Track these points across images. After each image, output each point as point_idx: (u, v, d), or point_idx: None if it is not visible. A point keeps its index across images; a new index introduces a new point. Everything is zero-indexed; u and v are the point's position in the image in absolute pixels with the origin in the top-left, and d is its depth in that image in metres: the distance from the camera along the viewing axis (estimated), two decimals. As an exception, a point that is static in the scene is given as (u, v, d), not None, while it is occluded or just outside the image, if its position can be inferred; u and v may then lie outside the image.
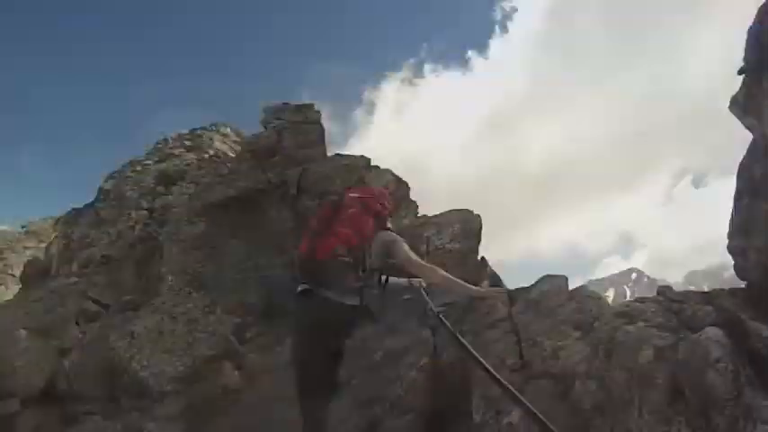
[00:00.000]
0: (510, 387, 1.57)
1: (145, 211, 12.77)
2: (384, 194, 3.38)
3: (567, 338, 2.77)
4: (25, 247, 23.72)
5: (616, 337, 1.86)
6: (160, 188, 13.56)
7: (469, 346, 2.10)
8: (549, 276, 4.35)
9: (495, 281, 5.71)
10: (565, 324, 2.95)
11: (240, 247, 8.87)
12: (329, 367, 2.94)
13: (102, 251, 12.22)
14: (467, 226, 6.66)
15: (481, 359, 1.90)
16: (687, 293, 2.46)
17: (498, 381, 1.62)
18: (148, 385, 6.06)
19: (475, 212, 7.00)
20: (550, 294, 3.91)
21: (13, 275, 19.95)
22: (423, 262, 3.14)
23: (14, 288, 17.29)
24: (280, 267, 8.31)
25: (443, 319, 2.73)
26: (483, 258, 6.44)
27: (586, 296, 3.32)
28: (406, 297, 3.96)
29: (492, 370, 1.76)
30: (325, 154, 10.41)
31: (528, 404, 1.44)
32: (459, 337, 2.24)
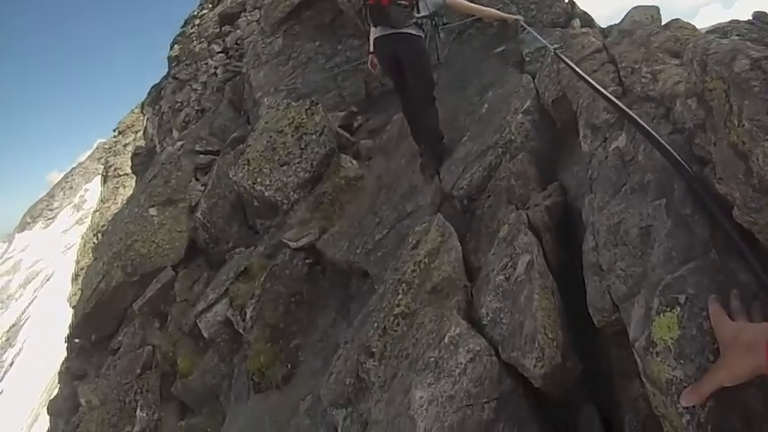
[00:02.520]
0: (619, 103, 1.71)
1: (221, 54, 12.37)
2: None
3: (665, 64, 2.59)
4: (125, 146, 25.32)
5: (710, 49, 1.64)
6: (226, 27, 12.91)
7: (578, 69, 2.35)
8: (639, 7, 4.25)
9: (587, 21, 5.74)
10: (661, 52, 2.75)
11: (324, 46, 8.33)
12: (414, 83, 4.47)
13: (196, 107, 12.35)
14: None
15: (590, 79, 2.08)
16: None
17: (607, 98, 1.79)
18: (277, 201, 5.97)
19: None
20: (643, 23, 3.84)
21: (127, 174, 21.52)
22: (467, 2, 4.70)
23: (131, 184, 18.64)
24: (367, 51, 7.74)
25: (558, 53, 3.24)
26: (572, 0, 6.03)
27: (680, 27, 2.91)
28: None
29: (603, 90, 1.93)
30: None
31: (636, 117, 1.61)
32: (568, 61, 2.53)
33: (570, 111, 3.31)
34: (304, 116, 6.22)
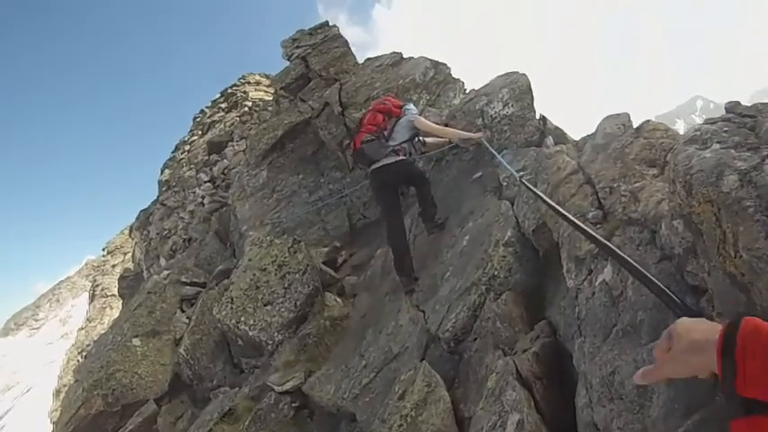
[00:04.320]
0: (597, 236, 1.55)
1: (208, 183, 12.98)
2: (387, 98, 5.98)
3: (644, 179, 2.58)
4: (113, 266, 25.62)
5: (692, 167, 1.51)
6: (213, 156, 13.67)
7: (555, 204, 2.14)
8: (610, 117, 4.23)
9: (560, 136, 5.76)
10: (637, 164, 2.74)
11: (307, 179, 8.80)
12: (397, 203, 5.40)
13: (183, 236, 12.72)
14: (515, 87, 6.04)
15: (568, 214, 1.91)
16: (758, 106, 1.85)
17: (587, 233, 1.62)
18: (261, 341, 5.99)
19: (520, 72, 6.37)
20: (615, 135, 3.81)
21: (114, 295, 21.72)
22: (432, 124, 5.66)
23: (118, 305, 18.69)
24: (350, 184, 8.22)
25: (525, 182, 3.18)
26: (543, 117, 6.04)
27: (653, 129, 2.99)
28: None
29: (580, 224, 1.76)
30: (356, 63, 10.09)
31: (619, 252, 1.41)
32: (544, 197, 2.32)
33: (551, 239, 3.37)
34: (287, 254, 6.46)
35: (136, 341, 8.13)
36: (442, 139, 5.99)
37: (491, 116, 5.97)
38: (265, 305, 6.14)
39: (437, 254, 5.16)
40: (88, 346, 21.23)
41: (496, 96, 6.03)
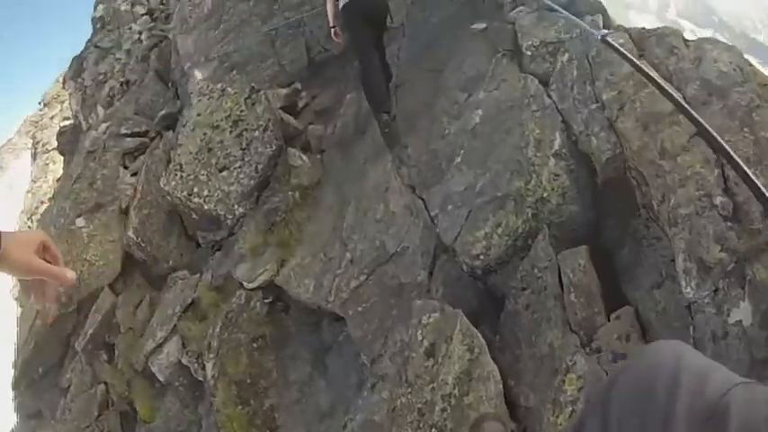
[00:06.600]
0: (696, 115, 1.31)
1: (145, 17, 10.74)
2: None
3: None
4: (51, 119, 22.88)
5: None
6: (152, -17, 11.13)
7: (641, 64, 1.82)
8: (718, 44, 2.99)
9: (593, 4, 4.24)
10: None
11: (259, 6, 7.07)
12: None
13: (120, 79, 10.83)
14: None
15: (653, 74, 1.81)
16: None
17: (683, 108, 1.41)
18: (219, 215, 5.02)
19: None
20: (734, 80, 2.58)
21: (55, 149, 19.72)
22: None
23: (61, 159, 16.98)
24: (308, 11, 6.52)
25: (610, 41, 1.95)
26: None
27: None
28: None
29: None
30: None
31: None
32: (629, 55, 1.78)
33: (627, 181, 2.53)
34: (243, 106, 5.14)
35: (80, 221, 6.96)
36: None
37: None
38: (221, 171, 4.98)
39: (432, 118, 4.05)
40: (37, 208, 19.93)
41: None
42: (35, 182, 21.17)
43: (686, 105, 1.46)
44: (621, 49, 1.82)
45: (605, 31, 2.10)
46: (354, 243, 3.77)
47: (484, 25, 4.50)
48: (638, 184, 2.55)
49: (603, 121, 2.79)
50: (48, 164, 20.46)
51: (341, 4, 4.28)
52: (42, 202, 19.59)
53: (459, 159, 3.46)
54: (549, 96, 3.28)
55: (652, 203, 2.35)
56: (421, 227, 3.36)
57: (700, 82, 2.57)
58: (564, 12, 2.50)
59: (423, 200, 3.53)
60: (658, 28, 3.60)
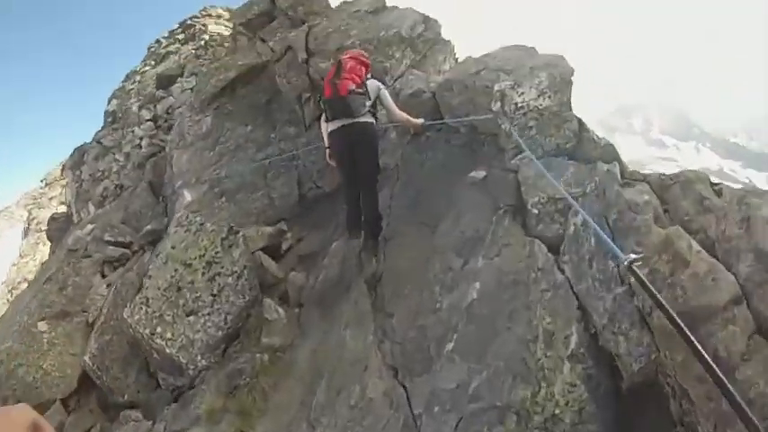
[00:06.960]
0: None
1: (149, 122, 11.17)
2: (363, 53, 4.91)
3: None
4: (50, 199, 23.22)
5: None
6: (160, 92, 11.77)
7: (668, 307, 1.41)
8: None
9: (607, 153, 4.05)
10: None
11: (256, 132, 7.26)
12: (364, 169, 4.42)
13: (115, 181, 11.02)
14: (555, 73, 4.24)
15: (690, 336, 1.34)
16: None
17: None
18: (181, 363, 4.68)
19: (558, 54, 4.57)
20: None
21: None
22: (396, 109, 4.69)
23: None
24: (304, 145, 6.70)
25: (635, 269, 1.64)
26: (580, 120, 4.24)
27: None
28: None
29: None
30: (329, 6, 8.45)
31: None
32: (662, 300, 1.47)
33: (663, 396, 2.09)
34: (219, 248, 4.95)
35: (42, 325, 6.64)
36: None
37: (516, 104, 4.21)
38: (188, 315, 4.72)
39: (423, 284, 3.60)
40: (19, 283, 19.57)
41: (530, 80, 4.24)
42: (23, 257, 20.93)
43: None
44: (654, 291, 1.49)
45: (633, 255, 1.66)
46: (323, 428, 3.32)
47: (484, 173, 4.15)
48: (673, 394, 2.12)
49: (634, 312, 2.31)
50: (38, 243, 20.35)
51: (328, 129, 4.50)
52: (25, 279, 19.22)
53: (451, 346, 2.95)
54: (562, 271, 2.82)
55: (698, 429, 1.95)
56: (401, 425, 2.86)
57: (754, 255, 2.12)
58: (591, 221, 2.02)
59: (405, 389, 3.04)
60: (680, 173, 3.28)
